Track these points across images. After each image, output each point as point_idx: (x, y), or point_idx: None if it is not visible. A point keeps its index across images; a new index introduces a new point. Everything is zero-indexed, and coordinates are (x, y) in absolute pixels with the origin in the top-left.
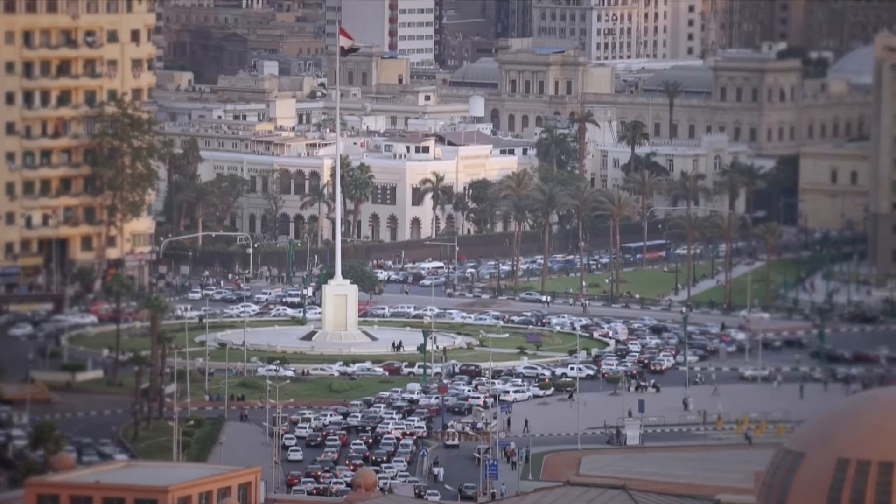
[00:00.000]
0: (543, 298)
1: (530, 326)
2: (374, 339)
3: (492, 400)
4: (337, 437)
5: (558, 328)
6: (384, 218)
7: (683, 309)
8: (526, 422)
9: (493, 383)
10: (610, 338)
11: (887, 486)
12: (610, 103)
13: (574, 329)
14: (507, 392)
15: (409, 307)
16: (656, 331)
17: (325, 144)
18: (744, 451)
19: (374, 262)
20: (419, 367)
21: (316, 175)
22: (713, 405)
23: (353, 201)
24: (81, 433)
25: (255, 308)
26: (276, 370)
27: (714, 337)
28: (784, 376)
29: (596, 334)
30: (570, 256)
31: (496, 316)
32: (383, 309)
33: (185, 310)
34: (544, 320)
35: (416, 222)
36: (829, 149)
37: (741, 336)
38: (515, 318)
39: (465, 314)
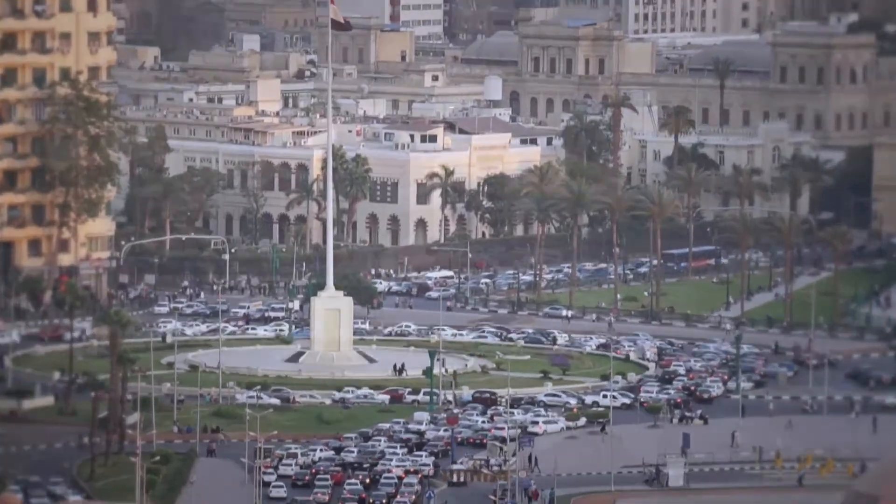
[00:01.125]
0: (565, 313)
1: (555, 347)
2: (372, 360)
3: (515, 432)
4: (328, 476)
5: (587, 348)
6: (384, 219)
7: (728, 326)
8: (533, 459)
9: (512, 413)
10: (645, 359)
11: None
12: (650, 85)
13: (592, 349)
14: (537, 423)
15: (364, 322)
16: (682, 348)
17: (315, 132)
18: (805, 493)
19: (373, 270)
20: (424, 393)
21: (304, 168)
22: (771, 440)
23: (348, 199)
24: (28, 470)
25: (203, 327)
26: (256, 397)
27: (755, 359)
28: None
29: (633, 356)
30: (603, 265)
31: (493, 333)
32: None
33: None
34: (550, 338)
35: (421, 224)
36: None
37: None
38: (514, 336)
39: (455, 331)
